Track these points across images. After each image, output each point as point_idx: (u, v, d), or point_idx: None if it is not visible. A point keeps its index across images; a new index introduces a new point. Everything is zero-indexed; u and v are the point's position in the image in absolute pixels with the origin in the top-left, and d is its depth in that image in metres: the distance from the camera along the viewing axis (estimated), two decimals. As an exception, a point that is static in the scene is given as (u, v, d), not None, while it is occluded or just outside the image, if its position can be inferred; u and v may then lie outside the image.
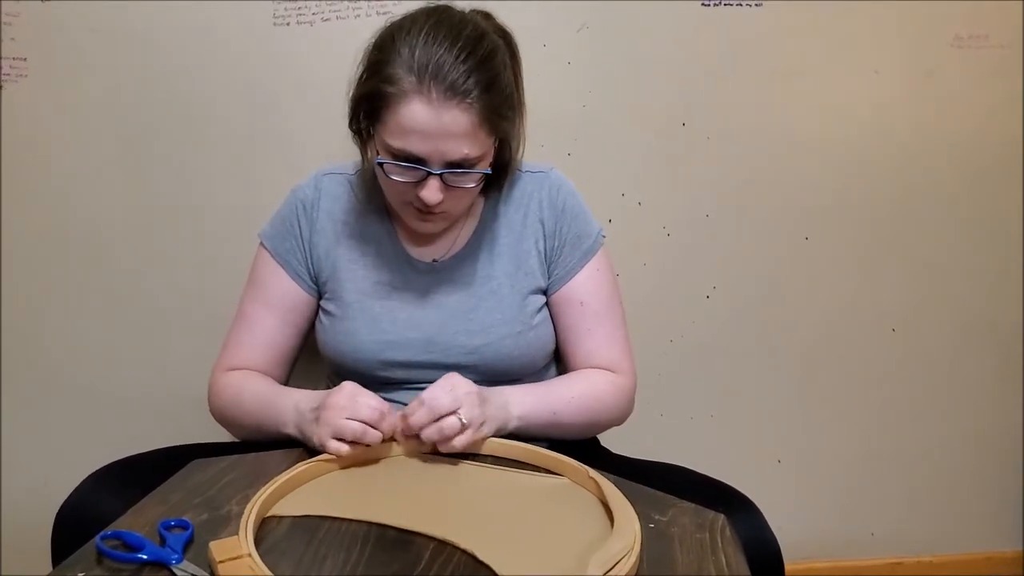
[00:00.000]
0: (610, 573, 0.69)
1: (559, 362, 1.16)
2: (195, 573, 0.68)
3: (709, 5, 1.36)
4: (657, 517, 0.81)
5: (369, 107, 0.96)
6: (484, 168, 0.98)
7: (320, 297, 1.10)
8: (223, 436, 1.46)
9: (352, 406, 0.89)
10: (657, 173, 1.42)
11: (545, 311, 1.10)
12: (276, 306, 1.09)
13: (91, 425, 1.44)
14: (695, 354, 1.48)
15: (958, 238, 1.49)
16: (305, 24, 1.31)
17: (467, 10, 1.03)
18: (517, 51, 1.06)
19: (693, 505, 0.85)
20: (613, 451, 1.14)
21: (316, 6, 1.30)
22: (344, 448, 0.88)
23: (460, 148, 0.93)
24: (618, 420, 1.12)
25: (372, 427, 0.88)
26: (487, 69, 0.93)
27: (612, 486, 0.84)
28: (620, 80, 1.38)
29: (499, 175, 1.06)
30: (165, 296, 1.40)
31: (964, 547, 1.61)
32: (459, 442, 0.90)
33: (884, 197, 1.46)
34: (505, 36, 1.04)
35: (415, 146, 0.93)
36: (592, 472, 0.87)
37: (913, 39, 1.40)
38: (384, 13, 1.30)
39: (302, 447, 0.94)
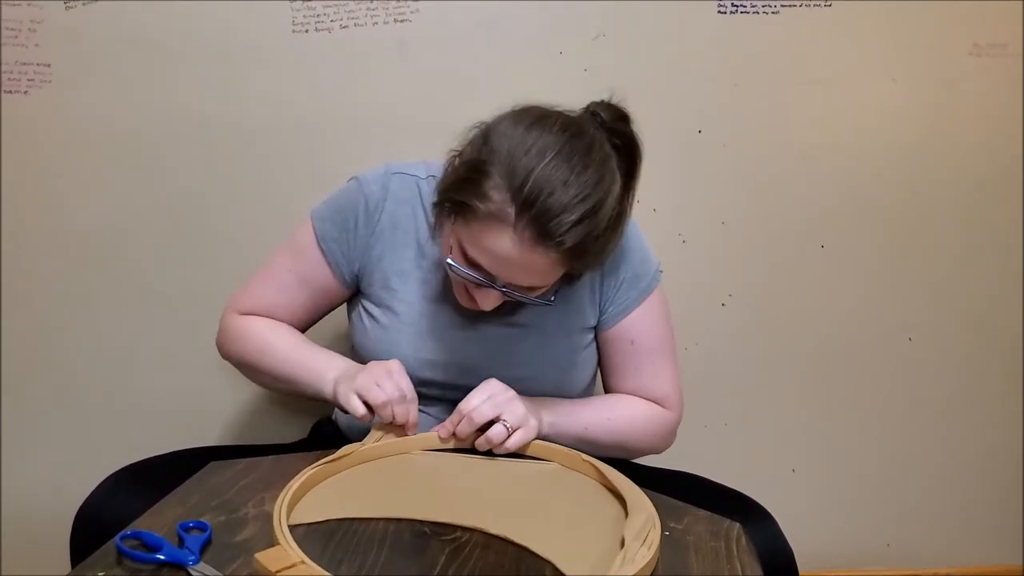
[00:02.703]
0: (647, 540, 0.73)
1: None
2: (211, 574, 0.69)
3: (725, 12, 1.36)
4: (672, 525, 0.81)
5: (455, 208, 0.90)
6: (547, 295, 0.95)
7: (356, 292, 1.09)
8: (239, 439, 1.47)
9: (385, 379, 0.92)
10: (673, 180, 1.42)
11: (590, 348, 1.08)
12: (307, 282, 1.07)
13: (106, 429, 1.45)
14: (710, 362, 1.48)
15: (976, 247, 1.48)
16: (324, 31, 1.32)
17: (604, 103, 0.96)
18: (638, 166, 0.97)
19: (708, 513, 0.85)
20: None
21: (334, 13, 1.32)
22: (361, 409, 0.92)
23: (531, 280, 0.90)
24: (654, 450, 1.11)
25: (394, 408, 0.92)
26: (590, 222, 0.85)
27: (609, 468, 0.88)
28: (636, 87, 1.35)
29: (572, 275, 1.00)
30: (183, 301, 1.42)
31: (980, 559, 1.59)
32: (512, 442, 0.91)
33: (901, 205, 1.45)
34: (630, 149, 0.96)
35: (488, 265, 0.89)
36: (585, 456, 0.91)
37: (931, 47, 1.39)
38: (402, 20, 1.32)
39: (319, 449, 0.95)
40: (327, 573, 0.67)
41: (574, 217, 0.84)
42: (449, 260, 0.92)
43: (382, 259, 1.05)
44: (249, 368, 1.08)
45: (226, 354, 1.11)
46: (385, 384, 0.92)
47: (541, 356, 1.03)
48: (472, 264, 0.91)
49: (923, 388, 1.52)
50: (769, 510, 0.96)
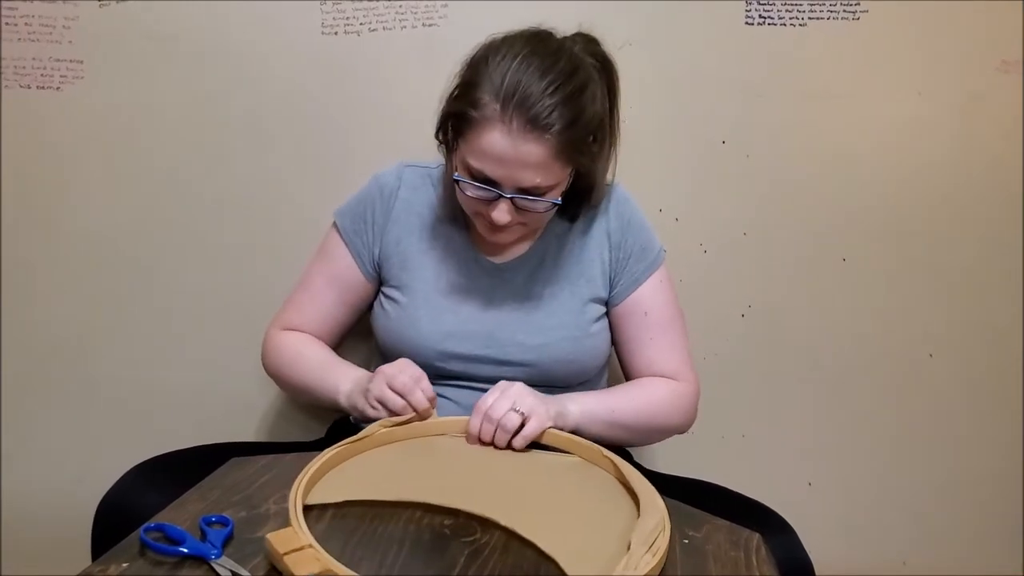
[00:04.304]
0: (654, 546, 0.73)
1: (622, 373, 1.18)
2: (233, 569, 0.69)
3: (752, 23, 1.36)
4: (691, 533, 0.81)
5: (454, 124, 1.00)
6: (555, 197, 1.00)
7: (380, 284, 1.14)
8: (259, 436, 1.48)
9: (395, 375, 0.96)
10: (695, 190, 1.42)
11: (603, 321, 1.13)
12: (336, 281, 1.14)
13: (126, 424, 1.46)
14: (728, 373, 1.47)
15: (1000, 264, 1.46)
16: (352, 34, 1.33)
17: (573, 34, 1.04)
18: (616, 82, 1.07)
19: (728, 523, 0.85)
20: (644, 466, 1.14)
21: (363, 16, 1.33)
22: (380, 413, 0.96)
23: (533, 177, 0.95)
24: (680, 426, 1.15)
25: (408, 397, 0.96)
26: (573, 105, 0.94)
27: (627, 464, 0.89)
28: (662, 96, 1.38)
29: (579, 200, 1.08)
30: (209, 298, 1.42)
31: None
32: (528, 430, 0.93)
33: (924, 220, 1.44)
34: (605, 66, 1.05)
35: (490, 170, 0.96)
36: (606, 452, 0.92)
37: (959, 62, 1.38)
38: (430, 24, 1.33)
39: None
40: (332, 559, 0.67)
41: (555, 100, 0.92)
42: (455, 175, 0.99)
43: (400, 242, 1.11)
44: (280, 381, 1.18)
45: (266, 368, 1.19)
46: (395, 380, 0.96)
47: (556, 323, 1.08)
48: (477, 179, 0.97)
49: (944, 404, 1.50)
50: (783, 523, 0.96)
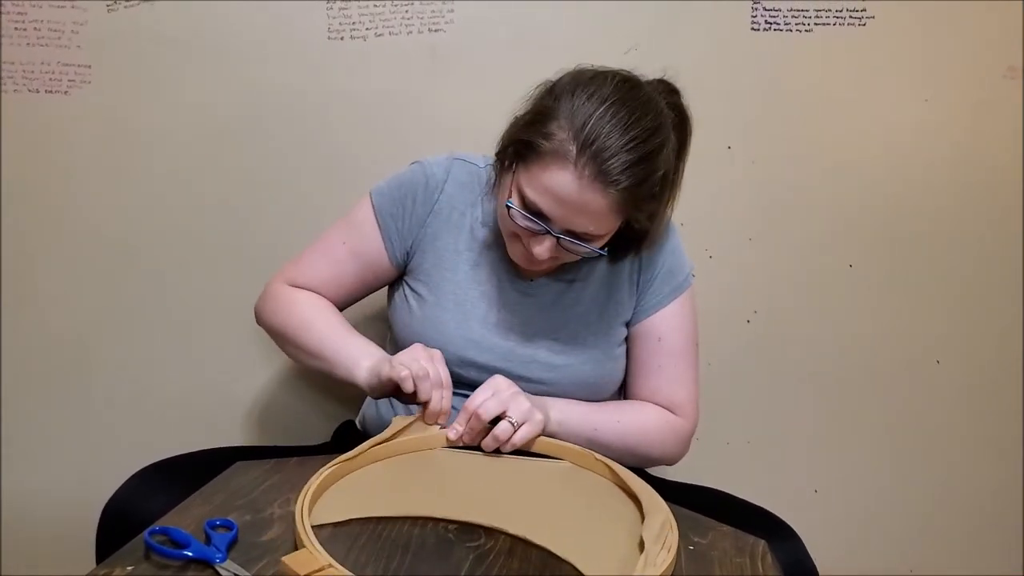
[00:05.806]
0: (667, 542, 0.74)
1: (623, 395, 1.15)
2: (237, 573, 0.69)
3: (758, 29, 1.36)
4: (697, 540, 0.81)
5: (518, 150, 0.95)
6: (600, 245, 0.97)
7: (404, 273, 1.11)
8: (263, 439, 1.48)
9: (426, 359, 0.94)
10: (701, 195, 1.41)
11: (624, 347, 1.10)
12: (359, 256, 1.10)
13: (129, 428, 1.47)
14: (733, 379, 1.47)
15: (1006, 270, 1.46)
16: (359, 39, 1.34)
17: (655, 80, 1.01)
18: (687, 138, 1.04)
19: (733, 529, 0.85)
20: (650, 473, 1.14)
21: (370, 21, 1.33)
22: (407, 377, 0.92)
23: (587, 224, 0.93)
24: (666, 459, 1.11)
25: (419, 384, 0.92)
26: (646, 166, 0.90)
27: (622, 467, 0.89)
28: (666, 102, 1.38)
29: (627, 246, 1.04)
30: (213, 301, 1.43)
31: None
32: (518, 437, 0.92)
33: (931, 226, 1.44)
34: (681, 120, 1.02)
35: (547, 207, 0.92)
36: (599, 456, 0.92)
37: (965, 69, 1.38)
38: (436, 30, 1.33)
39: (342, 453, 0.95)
40: None
41: (631, 158, 0.89)
42: (508, 203, 0.95)
43: (437, 238, 1.08)
44: (285, 339, 1.10)
45: (264, 321, 1.13)
46: (424, 362, 0.93)
47: (581, 346, 1.06)
48: (530, 211, 0.93)
49: (950, 412, 1.50)
50: (788, 530, 0.95)
